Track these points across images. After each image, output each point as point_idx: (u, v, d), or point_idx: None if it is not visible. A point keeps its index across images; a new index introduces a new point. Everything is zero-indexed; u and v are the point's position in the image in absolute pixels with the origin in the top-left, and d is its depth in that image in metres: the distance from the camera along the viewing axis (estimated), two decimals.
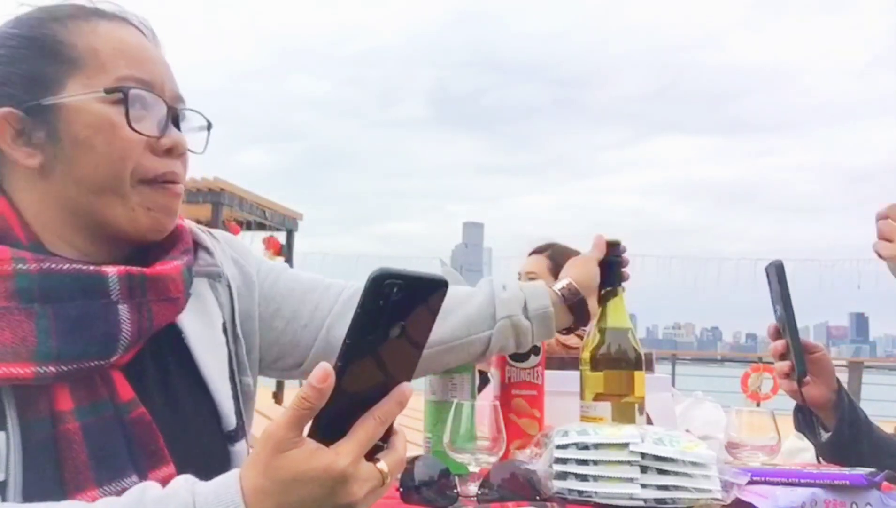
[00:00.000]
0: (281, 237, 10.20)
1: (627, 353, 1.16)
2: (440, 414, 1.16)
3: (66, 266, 0.82)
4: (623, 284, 1.25)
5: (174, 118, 0.90)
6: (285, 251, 10.09)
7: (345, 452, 0.66)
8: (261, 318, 1.07)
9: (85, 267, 0.83)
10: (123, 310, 0.84)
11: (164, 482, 0.74)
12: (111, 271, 0.84)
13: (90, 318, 0.82)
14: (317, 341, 1.10)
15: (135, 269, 0.86)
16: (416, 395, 1.16)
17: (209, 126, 0.96)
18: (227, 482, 0.68)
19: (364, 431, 0.67)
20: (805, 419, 1.30)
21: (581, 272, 1.21)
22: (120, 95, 0.85)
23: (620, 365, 1.15)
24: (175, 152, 0.89)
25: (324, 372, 0.65)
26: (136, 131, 0.85)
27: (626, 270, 1.27)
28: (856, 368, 9.91)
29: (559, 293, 1.18)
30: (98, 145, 0.84)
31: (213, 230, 1.07)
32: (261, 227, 9.92)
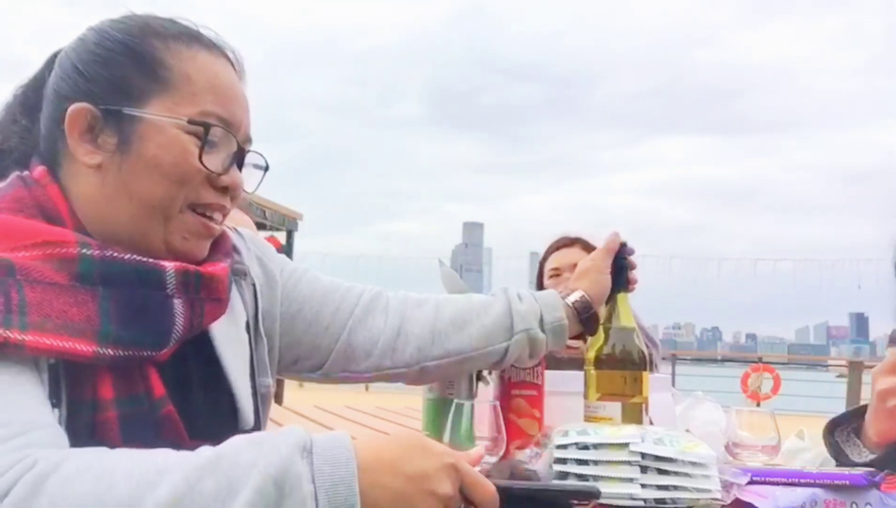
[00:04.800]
0: (281, 237, 10.21)
1: (634, 354, 1.16)
2: (437, 411, 1.16)
3: (128, 256, 0.85)
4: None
5: (240, 159, 0.93)
6: (285, 251, 10.08)
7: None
8: (282, 318, 1.07)
9: (144, 259, 0.86)
10: (178, 304, 0.86)
11: None
12: (168, 265, 0.87)
13: (148, 308, 0.84)
14: (338, 343, 1.10)
15: (190, 266, 0.88)
16: (414, 394, 1.17)
17: (266, 168, 0.99)
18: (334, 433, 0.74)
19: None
20: (843, 438, 1.18)
21: (594, 284, 1.21)
22: (200, 129, 0.88)
23: (628, 366, 1.15)
24: (230, 191, 0.92)
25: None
26: (204, 165, 0.88)
27: (635, 273, 1.26)
28: (856, 368, 9.90)
29: (573, 307, 1.19)
30: (164, 166, 0.87)
31: (238, 228, 1.09)
32: (261, 227, 9.93)
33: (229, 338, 0.96)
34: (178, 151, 0.88)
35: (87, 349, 0.79)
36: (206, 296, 0.90)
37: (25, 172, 0.90)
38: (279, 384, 9.08)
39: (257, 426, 0.96)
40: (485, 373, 1.29)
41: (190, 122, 0.88)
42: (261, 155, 0.98)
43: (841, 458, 1.17)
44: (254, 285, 1.04)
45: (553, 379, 1.23)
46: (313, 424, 1.90)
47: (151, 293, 0.85)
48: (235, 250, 1.02)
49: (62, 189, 0.89)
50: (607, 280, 1.22)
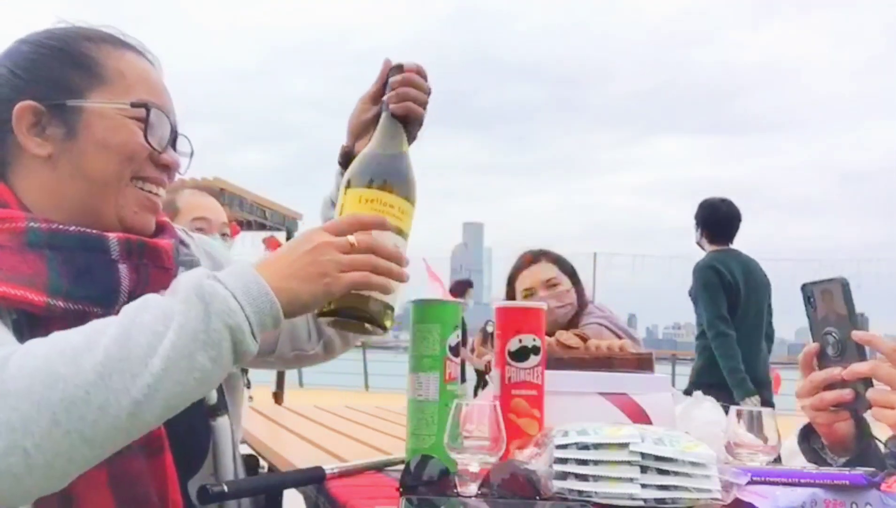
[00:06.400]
0: (281, 237, 10.20)
1: (393, 177, 1.06)
2: (411, 412, 1.16)
3: (73, 228, 0.95)
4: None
5: (174, 141, 1.06)
6: None
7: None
8: None
9: (88, 230, 0.96)
10: (123, 268, 0.96)
11: (155, 433, 0.91)
12: (112, 235, 0.97)
13: (94, 269, 0.94)
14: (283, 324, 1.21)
15: (133, 236, 0.99)
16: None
17: (192, 154, 1.11)
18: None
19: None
20: (811, 448, 1.20)
21: (351, 120, 1.24)
22: (142, 111, 1.00)
23: (380, 186, 1.05)
24: (169, 169, 1.05)
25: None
26: (148, 142, 1.00)
27: (408, 92, 1.15)
28: None
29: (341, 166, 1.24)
30: (113, 146, 0.98)
31: (185, 229, 1.21)
32: (261, 227, 9.92)
33: None
34: (125, 131, 0.99)
35: (38, 298, 0.88)
36: (151, 262, 0.99)
37: None
38: (279, 384, 9.18)
39: (222, 402, 1.08)
40: (487, 376, 1.28)
41: (133, 105, 0.99)
42: (188, 140, 1.09)
43: (820, 463, 1.17)
44: None
45: (553, 379, 1.23)
46: (313, 424, 1.92)
47: (97, 257, 0.95)
48: (184, 243, 1.13)
49: (10, 186, 0.98)
50: (363, 110, 1.21)
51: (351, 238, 0.93)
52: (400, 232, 1.05)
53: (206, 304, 0.81)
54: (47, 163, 0.97)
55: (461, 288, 8.66)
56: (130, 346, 0.78)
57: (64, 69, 0.99)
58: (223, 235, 2.36)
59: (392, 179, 1.07)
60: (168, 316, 0.80)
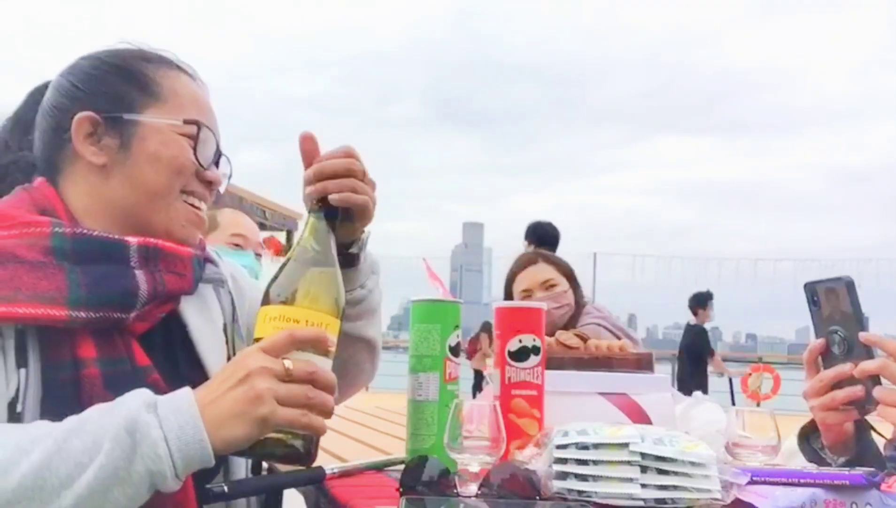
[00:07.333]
0: (281, 237, 10.21)
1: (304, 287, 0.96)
2: (411, 413, 1.16)
3: (96, 233, 1.00)
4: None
5: (217, 160, 1.11)
6: (285, 251, 10.08)
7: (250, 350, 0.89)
8: (248, 327, 1.17)
9: (111, 235, 1.00)
10: (140, 274, 0.99)
11: None
12: (132, 240, 1.01)
13: (112, 276, 0.97)
14: None
15: (150, 241, 1.02)
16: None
17: (230, 176, 1.16)
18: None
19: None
20: (811, 448, 1.20)
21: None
22: (194, 129, 1.06)
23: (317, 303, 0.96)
24: (212, 185, 1.10)
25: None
26: (196, 158, 1.06)
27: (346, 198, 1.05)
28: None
29: None
30: (164, 159, 1.04)
31: (217, 251, 1.24)
32: (261, 227, 9.91)
33: (206, 334, 1.09)
34: (176, 146, 1.04)
35: (60, 313, 0.91)
36: (165, 268, 1.02)
37: (27, 185, 1.05)
38: None
39: None
40: (486, 374, 1.28)
41: (185, 122, 1.05)
42: (228, 162, 1.14)
43: (820, 463, 1.17)
44: (231, 293, 1.18)
45: (553, 379, 1.23)
46: None
47: (116, 263, 0.98)
48: (214, 263, 1.17)
49: (59, 192, 1.04)
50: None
51: (288, 363, 0.86)
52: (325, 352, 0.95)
53: (134, 443, 0.80)
54: (101, 172, 1.03)
55: (702, 301, 7.71)
56: (48, 476, 0.78)
57: (122, 85, 1.05)
58: (257, 254, 2.50)
59: (304, 293, 0.96)
60: (96, 447, 0.79)
